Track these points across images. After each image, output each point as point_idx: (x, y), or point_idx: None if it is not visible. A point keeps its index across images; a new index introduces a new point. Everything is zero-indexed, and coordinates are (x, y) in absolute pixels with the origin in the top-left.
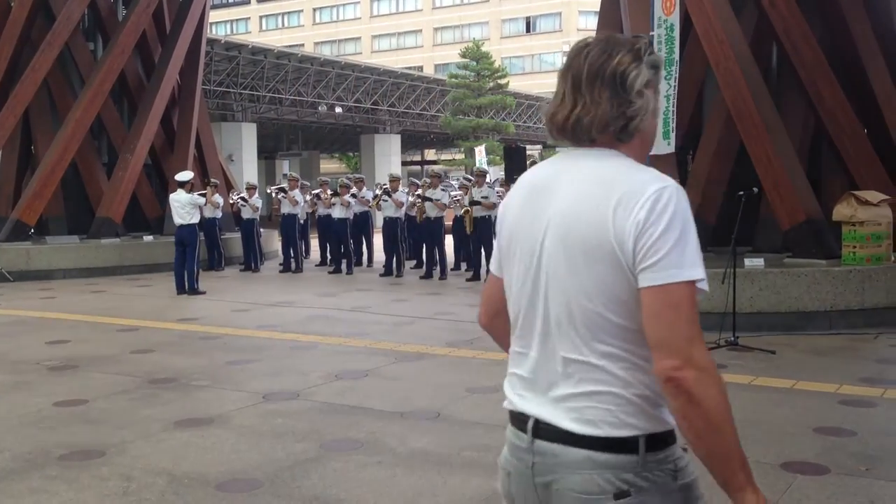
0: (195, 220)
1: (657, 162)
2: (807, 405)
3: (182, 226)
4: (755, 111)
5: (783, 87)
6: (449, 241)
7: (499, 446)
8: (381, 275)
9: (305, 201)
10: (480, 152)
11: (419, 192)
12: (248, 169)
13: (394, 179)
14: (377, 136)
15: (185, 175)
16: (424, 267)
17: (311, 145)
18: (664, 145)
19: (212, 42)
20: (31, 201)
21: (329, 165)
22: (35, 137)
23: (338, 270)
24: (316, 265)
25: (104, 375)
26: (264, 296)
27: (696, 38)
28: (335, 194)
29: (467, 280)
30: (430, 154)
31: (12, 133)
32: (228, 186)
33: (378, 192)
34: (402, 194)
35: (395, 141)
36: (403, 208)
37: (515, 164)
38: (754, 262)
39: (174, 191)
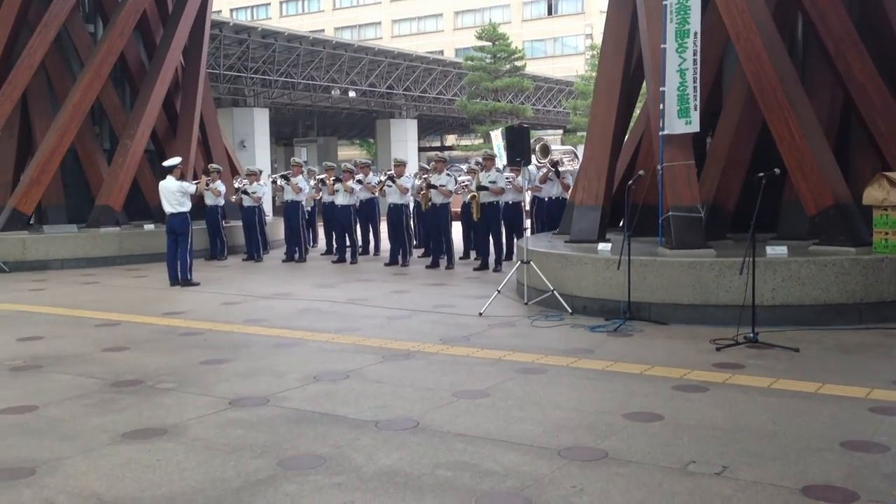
0: (186, 207)
1: (670, 142)
2: (833, 413)
3: (173, 214)
4: (779, 86)
5: (809, 61)
6: (458, 228)
7: (478, 463)
8: (386, 264)
9: (311, 187)
10: (497, 137)
11: (424, 178)
12: (260, 155)
13: (398, 164)
14: (393, 121)
15: (173, 161)
16: (431, 256)
17: (328, 131)
18: (680, 124)
19: (220, 25)
20: (28, 189)
21: (350, 151)
22: (33, 123)
23: (341, 260)
24: (321, 254)
25: (66, 377)
26: (260, 287)
27: (716, 9)
28: (338, 180)
29: (475, 270)
30: (451, 139)
31: (10, 119)
32: (234, 172)
33: (383, 177)
34: (408, 180)
35: (411, 126)
36: (409, 194)
37: (517, 145)
38: (777, 251)
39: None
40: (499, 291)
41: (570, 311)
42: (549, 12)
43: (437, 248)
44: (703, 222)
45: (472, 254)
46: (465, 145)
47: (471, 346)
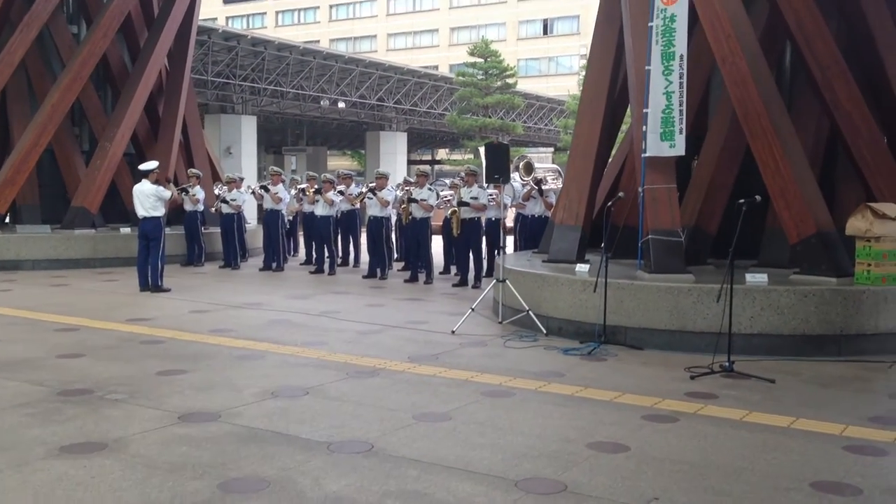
0: (159, 212)
1: (652, 164)
2: (805, 450)
3: (145, 218)
4: (763, 112)
5: (796, 88)
6: (439, 242)
7: (430, 492)
8: (365, 276)
9: (292, 197)
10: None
11: (407, 190)
12: (247, 162)
13: (380, 177)
14: (383, 133)
15: (149, 164)
16: (410, 270)
17: (318, 141)
18: (664, 147)
19: (210, 31)
20: (2, 189)
21: (340, 162)
22: (11, 123)
23: (320, 270)
24: (301, 264)
25: (12, 384)
26: (232, 296)
27: (703, 32)
28: (318, 192)
29: (454, 286)
30: (442, 153)
31: None
32: (216, 179)
33: (364, 189)
34: (389, 192)
35: (401, 139)
36: (389, 207)
37: (497, 162)
38: (756, 279)
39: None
40: (473, 309)
41: (544, 332)
42: (545, 31)
43: (416, 263)
44: (683, 246)
45: (453, 269)
46: (455, 160)
47: (439, 365)
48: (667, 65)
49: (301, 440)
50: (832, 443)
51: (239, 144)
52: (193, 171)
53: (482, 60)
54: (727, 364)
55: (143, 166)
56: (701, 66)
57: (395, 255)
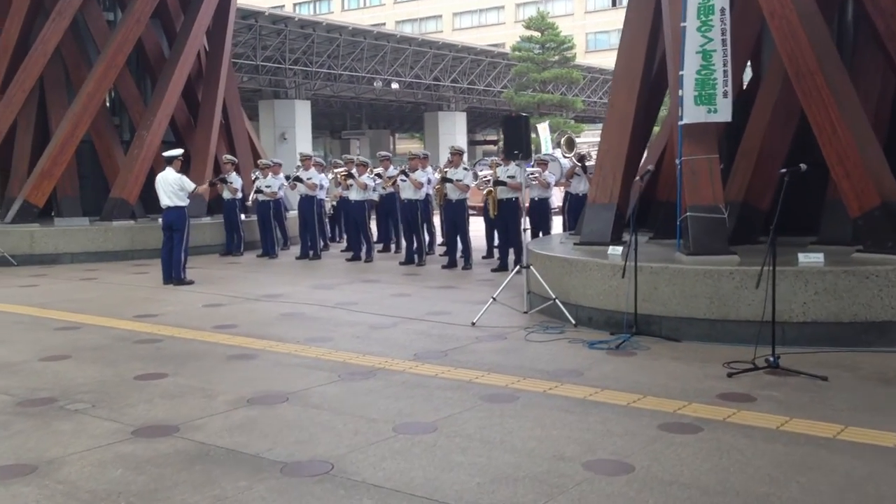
0: (183, 202)
1: (690, 133)
2: (851, 470)
3: (169, 208)
4: (817, 69)
5: (859, 44)
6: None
7: None
8: (401, 263)
9: (329, 180)
10: (544, 129)
11: (441, 169)
12: (302, 147)
13: (413, 157)
14: (441, 113)
15: (173, 151)
16: (447, 255)
17: (381, 124)
18: (701, 112)
19: (256, 15)
20: (40, 181)
21: (409, 144)
22: (50, 114)
23: (356, 258)
24: (342, 251)
25: None
26: (255, 287)
27: None
28: (348, 175)
29: (492, 270)
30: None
31: (26, 109)
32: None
33: (395, 171)
34: (423, 175)
35: (460, 119)
36: (423, 189)
37: (515, 137)
38: (811, 258)
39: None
40: (494, 299)
41: (573, 322)
42: (614, 3)
43: (453, 247)
44: (726, 224)
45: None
46: None
47: (444, 363)
48: (704, 20)
49: (254, 460)
50: (883, 459)
51: (293, 129)
52: (228, 157)
53: (539, 34)
54: (772, 359)
55: (168, 153)
56: (747, 21)
57: (440, 240)
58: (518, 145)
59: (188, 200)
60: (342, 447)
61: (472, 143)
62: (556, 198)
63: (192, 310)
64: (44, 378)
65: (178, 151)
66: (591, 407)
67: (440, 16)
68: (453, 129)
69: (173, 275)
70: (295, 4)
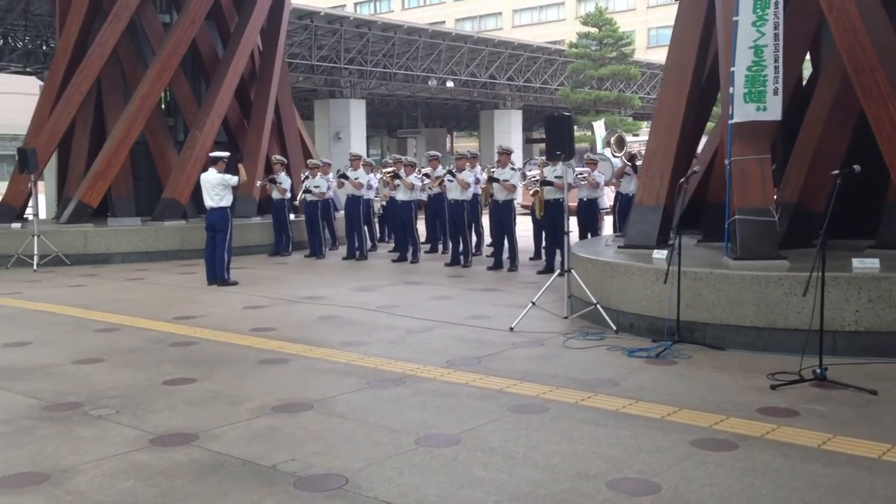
0: (227, 202)
1: (740, 132)
2: (891, 496)
3: (213, 209)
4: (878, 65)
5: None
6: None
7: None
8: (447, 264)
9: (379, 181)
10: (600, 127)
11: (488, 169)
12: (356, 146)
13: (460, 158)
14: (497, 111)
15: (218, 153)
16: (494, 257)
17: (437, 122)
18: (750, 110)
19: (311, 15)
20: (94, 182)
21: (467, 143)
22: (106, 115)
23: (402, 258)
24: (389, 251)
25: (6, 395)
26: (298, 289)
27: None
28: (396, 176)
29: (538, 272)
30: (576, 130)
31: (84, 110)
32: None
33: (441, 171)
34: (470, 175)
35: (515, 117)
36: (470, 190)
37: (558, 137)
38: (865, 264)
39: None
40: (533, 303)
41: (614, 328)
42: None
43: (499, 249)
44: (776, 227)
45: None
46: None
47: (477, 371)
48: (760, 14)
49: (269, 472)
50: None
51: (348, 129)
52: (278, 157)
53: (596, 30)
54: (819, 370)
55: (213, 154)
56: (805, 15)
57: (488, 241)
58: (561, 145)
59: (231, 200)
60: (360, 460)
61: (529, 141)
62: (608, 198)
63: (232, 312)
64: (74, 382)
65: (224, 154)
66: (622, 420)
67: (500, 13)
68: (509, 128)
69: (217, 276)
70: (355, 4)
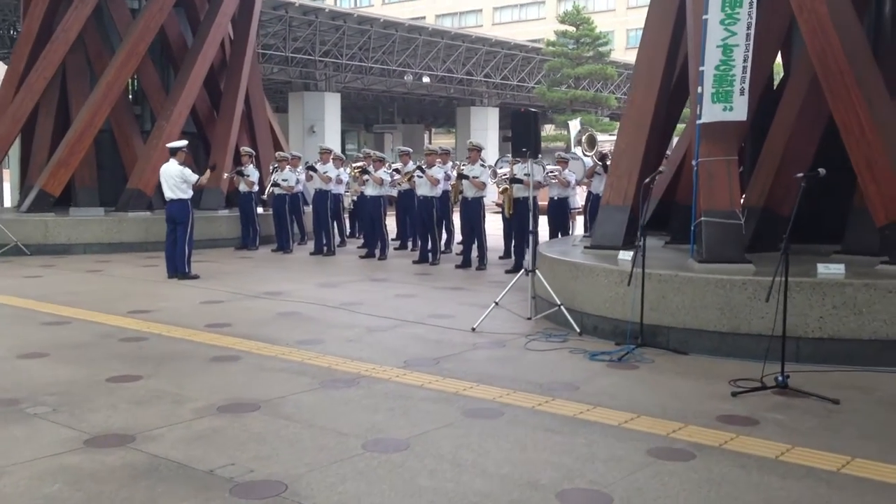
0: (187, 194)
1: (708, 133)
2: None
3: (172, 200)
4: (846, 67)
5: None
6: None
7: None
8: (415, 262)
9: (349, 175)
10: (576, 126)
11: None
12: (330, 140)
13: (429, 153)
14: (473, 108)
15: (177, 143)
16: (462, 255)
17: (414, 118)
18: (717, 110)
19: (286, 5)
20: (56, 170)
21: (445, 140)
22: (71, 102)
23: (370, 255)
24: (358, 247)
25: None
26: (260, 283)
27: None
28: (363, 171)
29: (506, 271)
30: (552, 129)
31: (48, 97)
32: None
33: (405, 167)
34: (440, 171)
35: (492, 114)
36: (440, 186)
37: (524, 133)
38: (831, 270)
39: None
40: (496, 303)
41: (578, 330)
42: None
43: (468, 247)
44: (742, 231)
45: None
46: (543, 136)
47: (434, 372)
48: (729, 12)
49: (205, 478)
50: (889, 498)
51: (322, 122)
52: (246, 149)
53: (573, 29)
54: (780, 378)
55: (172, 144)
56: (776, 15)
57: (459, 238)
58: (527, 142)
59: (192, 192)
60: (303, 465)
61: (506, 139)
62: (580, 197)
63: (189, 306)
64: (14, 377)
65: (182, 143)
66: (579, 426)
67: (480, 10)
68: (486, 125)
69: (177, 269)
70: None
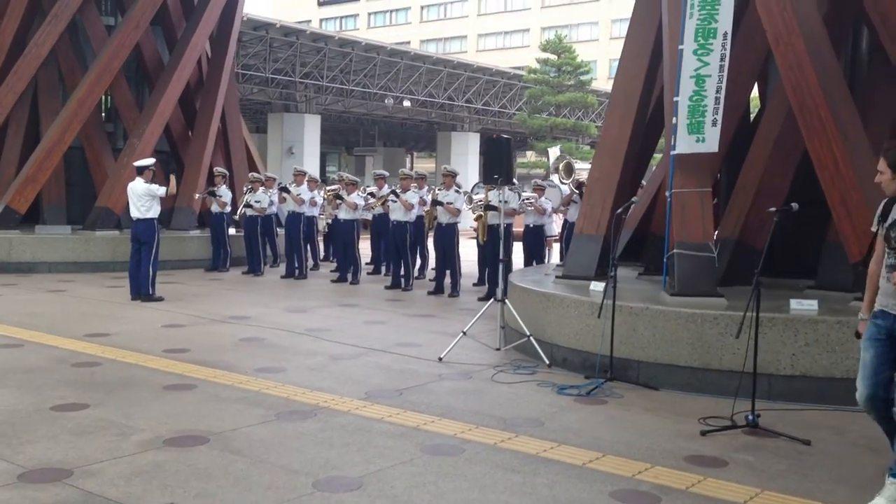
0: (153, 214)
1: (682, 164)
2: None
3: (138, 220)
4: (822, 101)
5: (873, 77)
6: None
7: None
8: (387, 287)
9: (324, 199)
10: (555, 153)
11: (432, 190)
12: (309, 162)
13: (405, 178)
14: (454, 133)
15: (145, 161)
16: (435, 281)
17: (395, 142)
18: (690, 141)
19: (268, 26)
20: (24, 186)
21: (426, 164)
22: (42, 118)
23: (342, 279)
24: (331, 270)
25: None
26: (226, 307)
27: (755, 3)
28: (336, 196)
29: (479, 299)
30: (532, 156)
31: (17, 112)
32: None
33: (381, 191)
34: (414, 195)
35: (473, 139)
36: (414, 211)
37: (496, 160)
38: (803, 305)
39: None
40: (464, 333)
41: (547, 362)
42: None
43: (441, 273)
44: (714, 263)
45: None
46: (523, 162)
47: (395, 405)
48: (703, 43)
49: None
50: None
51: (301, 144)
52: (219, 170)
53: (555, 57)
54: (751, 416)
55: (139, 162)
56: (754, 47)
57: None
58: (499, 169)
59: (158, 212)
60: None
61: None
62: (557, 225)
63: (148, 330)
64: None
65: (150, 161)
66: (541, 466)
67: (465, 36)
68: (466, 150)
69: (141, 290)
70: (321, 20)
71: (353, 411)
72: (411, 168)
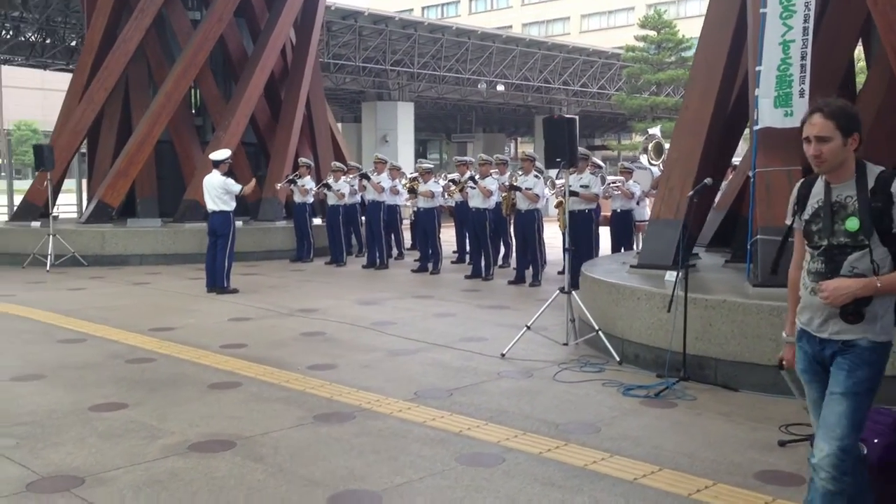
0: (229, 206)
1: (767, 140)
2: None
3: (214, 212)
4: None
5: None
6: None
7: None
8: (467, 276)
9: (404, 186)
10: (655, 134)
11: (511, 176)
12: (403, 150)
13: (483, 163)
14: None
15: (220, 154)
16: (516, 270)
17: (495, 127)
18: (778, 115)
19: (356, 14)
20: (115, 181)
21: (529, 149)
22: (133, 113)
23: (423, 269)
24: (415, 259)
25: None
26: (298, 300)
27: None
28: (411, 190)
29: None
30: (636, 137)
31: (110, 108)
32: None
33: (463, 177)
34: (493, 181)
35: None
36: (493, 198)
37: (558, 142)
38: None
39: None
40: (528, 327)
41: (617, 359)
42: None
43: (522, 262)
44: None
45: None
46: (624, 145)
47: (443, 407)
48: (786, 4)
49: None
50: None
51: (395, 132)
52: (304, 160)
53: (654, 34)
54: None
55: (214, 155)
56: (851, 8)
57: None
58: (561, 151)
59: (234, 205)
60: None
61: (591, 147)
62: (649, 209)
63: (213, 324)
64: None
65: (225, 154)
66: (586, 481)
67: (568, 17)
68: None
69: (216, 283)
70: (423, 8)
71: (394, 414)
72: (515, 153)
